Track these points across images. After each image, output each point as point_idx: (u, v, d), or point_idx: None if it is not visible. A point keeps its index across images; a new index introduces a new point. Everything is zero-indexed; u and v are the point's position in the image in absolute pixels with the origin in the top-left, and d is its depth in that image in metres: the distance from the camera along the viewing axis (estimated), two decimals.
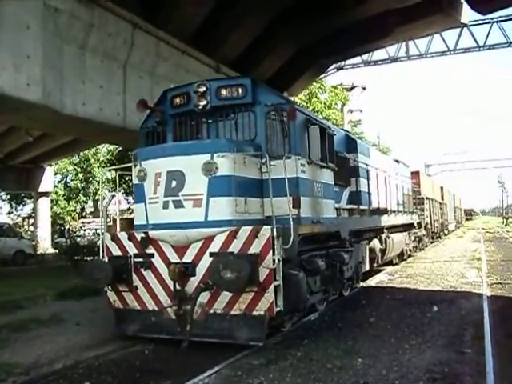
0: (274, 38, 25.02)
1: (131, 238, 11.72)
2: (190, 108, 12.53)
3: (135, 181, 11.71)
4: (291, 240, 10.74)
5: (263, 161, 11.62)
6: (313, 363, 9.18)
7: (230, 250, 10.71)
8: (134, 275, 11.64)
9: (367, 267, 18.01)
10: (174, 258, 11.23)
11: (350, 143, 17.12)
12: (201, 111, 12.37)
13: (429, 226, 37.11)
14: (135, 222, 11.86)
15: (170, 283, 11.06)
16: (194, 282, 10.90)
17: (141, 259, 11.57)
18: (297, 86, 31.97)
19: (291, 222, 10.85)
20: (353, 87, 47.07)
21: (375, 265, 19.69)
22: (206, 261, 10.82)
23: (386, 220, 20.39)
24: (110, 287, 11.84)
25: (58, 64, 16.24)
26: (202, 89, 12.20)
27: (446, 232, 52.83)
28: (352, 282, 16.32)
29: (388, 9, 24.51)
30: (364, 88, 48.88)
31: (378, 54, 37.33)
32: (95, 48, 17.67)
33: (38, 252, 34.48)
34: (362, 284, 18.29)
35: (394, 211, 22.15)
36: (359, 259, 16.72)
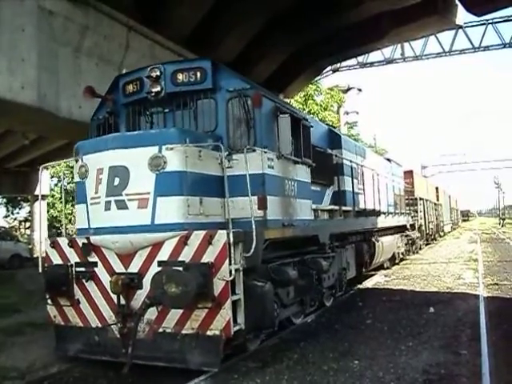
0: (270, 40, 23.62)
1: (72, 244, 9.59)
2: (143, 96, 10.35)
3: (76, 178, 9.60)
4: (253, 246, 8.66)
5: (225, 155, 9.47)
6: (309, 365, 8.77)
7: (181, 258, 8.59)
8: (75, 287, 9.50)
9: (353, 273, 15.75)
10: (118, 267, 9.07)
11: (334, 138, 14.76)
12: (155, 99, 10.19)
13: (423, 228, 34.49)
14: (77, 226, 9.77)
15: (115, 297, 8.95)
16: (140, 296, 8.72)
17: (83, 269, 9.42)
18: (293, 87, 30.45)
19: (253, 226, 8.73)
20: (349, 89, 44.71)
21: (364, 270, 17.51)
22: (154, 271, 8.60)
23: (375, 222, 17.88)
24: (49, 300, 9.74)
25: (53, 67, 15.13)
26: (156, 73, 10.03)
27: (442, 234, 49.88)
28: (335, 290, 14.02)
29: (383, 11, 23.33)
30: (360, 90, 46.55)
31: (374, 56, 35.32)
32: (90, 51, 16.52)
33: (35, 255, 32.36)
34: (358, 286, 17.54)
35: (384, 212, 19.53)
36: (343, 265, 14.45)
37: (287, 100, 27.56)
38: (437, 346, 9.66)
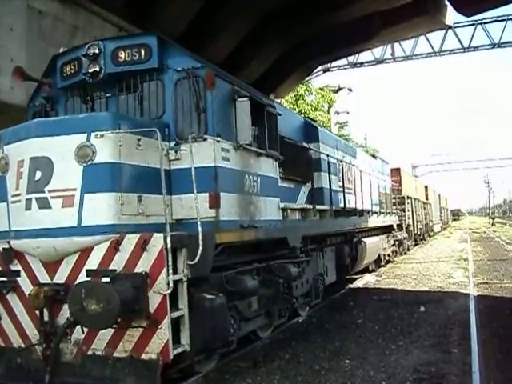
0: (260, 40, 22.53)
1: None
2: (81, 78, 8.46)
3: None
4: (199, 253, 6.84)
5: (171, 145, 7.65)
6: (300, 365, 8.38)
7: (113, 267, 6.78)
8: None
9: (333, 278, 13.76)
10: (43, 277, 7.20)
11: (310, 131, 12.62)
12: (94, 81, 8.30)
13: (411, 228, 32.14)
14: None
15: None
16: (68, 312, 6.75)
17: (4, 278, 7.53)
18: (283, 87, 29.11)
19: (199, 228, 6.92)
20: (339, 89, 43.15)
21: (347, 275, 15.63)
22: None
23: (357, 222, 15.70)
24: None
25: (43, 67, 13.60)
26: (94, 50, 8.14)
27: (431, 233, 47.36)
28: (310, 298, 12.03)
29: (374, 11, 22.52)
30: (350, 90, 44.82)
31: (364, 56, 34.02)
32: None
33: None
34: (349, 285, 16.86)
35: (368, 212, 17.34)
36: (319, 270, 12.48)
37: (278, 100, 26.24)
38: (427, 345, 9.30)
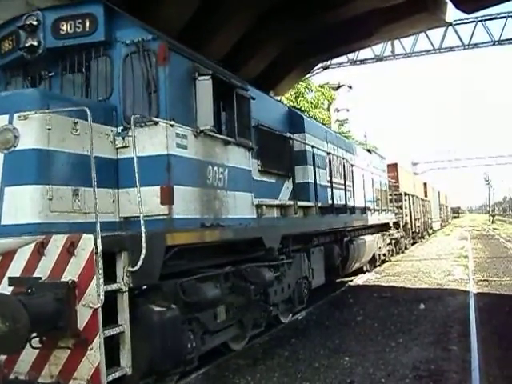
0: (260, 37, 21.75)
1: None
2: (19, 54, 6.94)
3: None
4: (141, 257, 5.46)
5: (119, 130, 6.22)
6: (300, 362, 8.01)
7: (37, 274, 5.38)
8: None
9: (322, 281, 12.13)
10: None
11: (295, 120, 11.12)
12: (34, 58, 6.80)
13: (408, 226, 30.00)
14: None
15: None
16: None
17: None
18: (283, 85, 28.22)
19: (142, 227, 5.53)
20: (339, 86, 41.42)
21: (337, 277, 14.14)
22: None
23: (348, 220, 13.92)
24: None
25: None
26: (31, 21, 6.65)
27: (431, 231, 44.98)
28: (293, 304, 10.48)
29: (373, 8, 21.53)
30: (350, 87, 43.10)
31: (364, 53, 32.83)
32: None
33: None
34: (349, 283, 16.25)
35: (361, 209, 15.53)
36: (304, 273, 10.82)
37: (278, 97, 24.88)
38: (427, 342, 8.97)
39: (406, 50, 32.53)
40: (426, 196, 42.90)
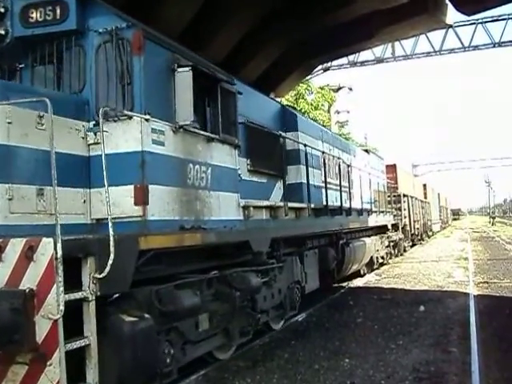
0: (261, 38, 21.25)
1: None
2: None
3: None
4: (109, 263, 4.89)
5: (90, 125, 5.65)
6: (299, 364, 7.83)
7: None
8: None
9: (316, 285, 11.49)
10: None
11: (288, 118, 10.53)
12: (0, 47, 6.21)
13: (407, 228, 29.24)
14: None
15: None
16: None
17: None
18: (284, 86, 27.77)
19: (110, 230, 4.97)
20: (339, 88, 40.84)
21: (333, 281, 13.50)
22: None
23: (344, 222, 13.25)
24: None
25: None
26: None
27: (430, 233, 43.86)
28: (284, 310, 9.87)
29: (374, 10, 21.11)
30: (351, 89, 42.50)
31: (365, 55, 32.38)
32: None
33: None
34: (349, 285, 15.98)
35: (358, 210, 14.84)
36: (296, 277, 10.18)
37: (278, 99, 24.12)
38: (427, 344, 8.83)
39: (406, 51, 32.22)
40: (425, 198, 42.23)
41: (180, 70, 6.23)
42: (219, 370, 7.55)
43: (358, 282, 16.61)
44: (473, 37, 30.42)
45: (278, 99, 27.01)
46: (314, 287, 11.26)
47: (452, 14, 24.27)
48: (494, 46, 30.35)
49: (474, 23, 29.97)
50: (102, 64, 5.94)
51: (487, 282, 15.31)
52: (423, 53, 32.11)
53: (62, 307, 4.53)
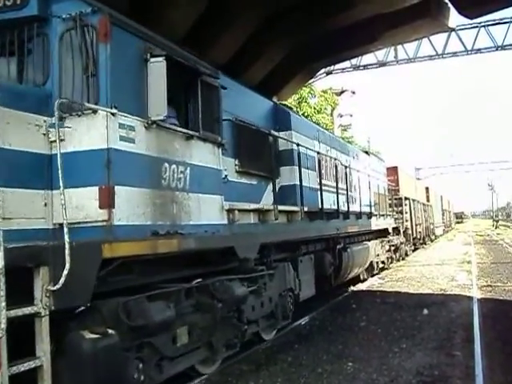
0: (264, 42, 20.63)
1: None
2: None
3: None
4: (64, 273, 4.26)
5: (53, 121, 4.98)
6: (303, 368, 7.63)
7: None
8: None
9: (312, 292, 10.72)
10: None
11: (281, 117, 9.83)
12: None
13: (409, 232, 28.19)
14: None
15: None
16: None
17: None
18: (287, 90, 26.96)
19: (66, 237, 4.37)
20: (342, 91, 40.12)
21: (330, 287, 12.68)
22: None
23: (341, 226, 12.40)
24: None
25: None
26: None
27: (433, 237, 42.51)
28: (276, 319, 9.13)
29: (376, 13, 20.66)
30: (353, 92, 41.78)
31: (367, 59, 31.63)
32: None
33: None
34: (352, 288, 15.68)
35: (357, 214, 14.01)
36: (288, 285, 9.44)
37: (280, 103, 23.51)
38: (430, 348, 8.71)
39: (408, 55, 31.66)
40: (428, 201, 41.32)
41: (153, 60, 5.53)
42: (222, 373, 7.39)
43: (361, 286, 16.24)
44: (475, 40, 29.94)
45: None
46: (310, 294, 10.51)
47: (455, 18, 23.76)
48: (497, 49, 29.69)
49: (476, 26, 29.39)
50: (66, 53, 5.25)
51: (491, 286, 15.07)
52: (426, 56, 31.57)
53: (3, 325, 3.88)
